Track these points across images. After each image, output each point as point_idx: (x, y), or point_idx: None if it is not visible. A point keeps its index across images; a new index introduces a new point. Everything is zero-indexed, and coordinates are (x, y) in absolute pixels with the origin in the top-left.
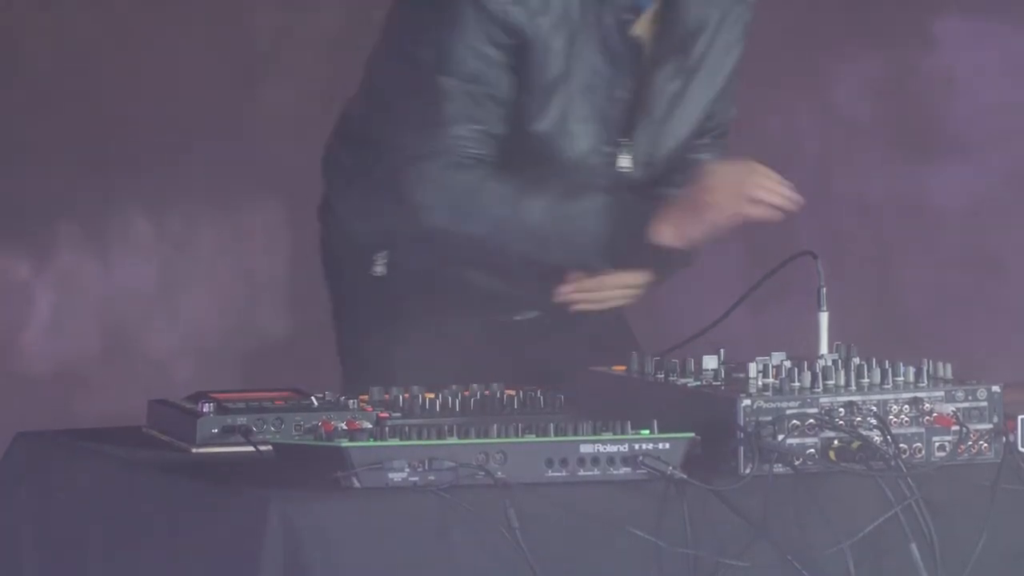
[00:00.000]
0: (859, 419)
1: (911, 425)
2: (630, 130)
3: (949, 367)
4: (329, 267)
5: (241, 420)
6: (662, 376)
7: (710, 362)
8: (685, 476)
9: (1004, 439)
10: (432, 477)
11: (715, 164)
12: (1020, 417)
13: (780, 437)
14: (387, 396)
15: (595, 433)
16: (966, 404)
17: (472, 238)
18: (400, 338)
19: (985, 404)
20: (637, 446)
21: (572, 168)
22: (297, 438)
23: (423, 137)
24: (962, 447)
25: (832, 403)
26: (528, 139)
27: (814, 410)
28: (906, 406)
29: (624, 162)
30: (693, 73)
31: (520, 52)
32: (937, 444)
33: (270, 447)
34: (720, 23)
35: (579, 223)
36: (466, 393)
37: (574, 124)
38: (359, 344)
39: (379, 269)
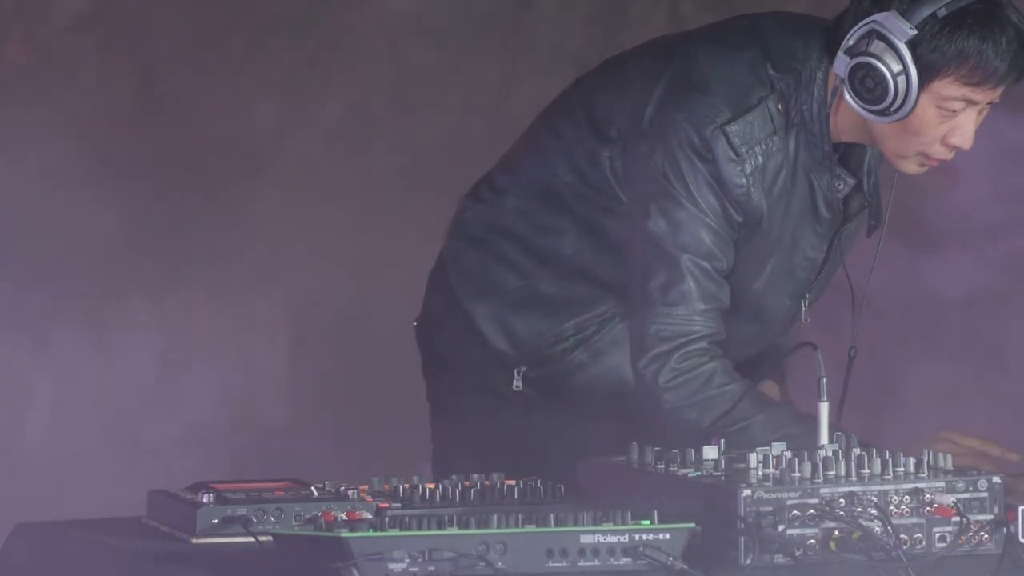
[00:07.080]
0: (860, 509)
1: (912, 516)
2: (812, 284)
3: (949, 458)
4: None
5: (241, 510)
6: (662, 466)
7: (710, 452)
8: (685, 567)
9: (1005, 530)
10: (432, 568)
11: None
12: (1021, 508)
13: (781, 527)
14: (387, 486)
15: (595, 523)
16: (967, 495)
17: (689, 421)
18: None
19: (986, 495)
20: (637, 536)
21: (761, 317)
22: (297, 528)
23: (666, 317)
24: (963, 538)
25: (833, 493)
26: (734, 292)
27: (815, 500)
28: (907, 496)
29: (805, 316)
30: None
31: (747, 226)
32: (938, 535)
33: (270, 537)
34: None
35: (780, 437)
36: (466, 483)
37: (774, 282)
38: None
39: (516, 383)
